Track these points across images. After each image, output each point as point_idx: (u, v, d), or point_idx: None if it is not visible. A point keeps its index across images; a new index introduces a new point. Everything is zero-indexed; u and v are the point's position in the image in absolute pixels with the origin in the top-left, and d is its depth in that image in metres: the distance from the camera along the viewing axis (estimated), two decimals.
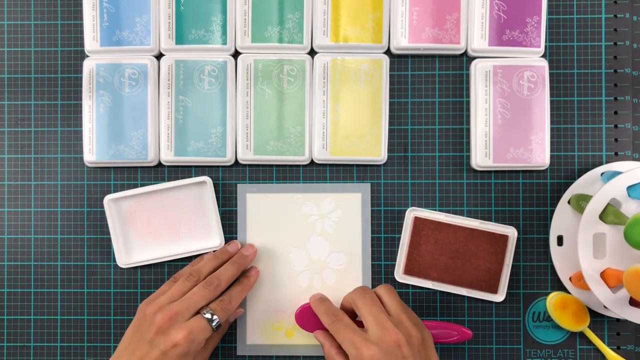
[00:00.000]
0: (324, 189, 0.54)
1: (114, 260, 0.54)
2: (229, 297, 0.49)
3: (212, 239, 0.54)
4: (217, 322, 0.47)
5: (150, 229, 0.54)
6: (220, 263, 0.51)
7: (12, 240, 0.55)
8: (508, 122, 0.53)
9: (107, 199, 0.53)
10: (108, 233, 0.54)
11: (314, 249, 0.54)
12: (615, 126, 0.54)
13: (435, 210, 0.54)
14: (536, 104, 0.53)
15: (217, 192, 0.54)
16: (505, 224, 0.54)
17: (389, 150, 0.54)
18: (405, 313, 0.47)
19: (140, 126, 0.53)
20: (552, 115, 0.54)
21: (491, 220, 0.54)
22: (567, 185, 0.53)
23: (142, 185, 0.54)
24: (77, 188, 0.55)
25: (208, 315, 0.47)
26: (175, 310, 0.46)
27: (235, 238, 0.54)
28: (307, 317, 0.52)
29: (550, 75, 0.54)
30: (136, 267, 0.54)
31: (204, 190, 0.53)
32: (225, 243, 0.54)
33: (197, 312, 0.47)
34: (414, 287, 0.54)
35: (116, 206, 0.53)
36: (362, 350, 0.44)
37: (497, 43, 0.53)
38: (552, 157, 0.54)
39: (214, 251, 0.53)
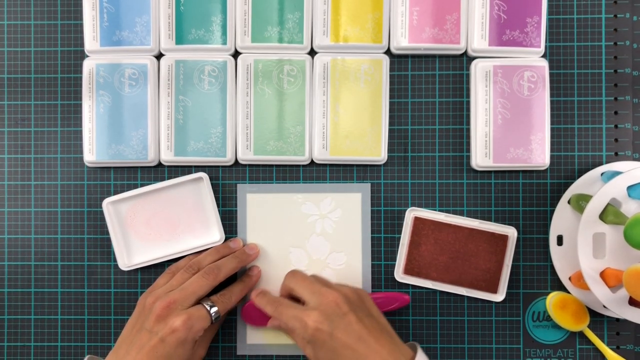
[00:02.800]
0: (324, 189, 0.54)
1: (114, 261, 0.54)
2: (230, 293, 0.50)
3: (212, 235, 0.54)
4: (216, 314, 0.47)
5: (150, 230, 0.54)
6: (221, 257, 0.52)
7: (12, 240, 0.55)
8: (508, 122, 0.53)
9: (106, 202, 0.53)
10: (108, 233, 0.54)
11: (314, 249, 0.54)
12: (616, 126, 0.54)
13: (435, 210, 0.54)
14: (536, 104, 0.53)
15: (217, 192, 0.54)
16: (505, 224, 0.54)
17: (389, 150, 0.54)
18: (331, 283, 0.50)
19: (140, 126, 0.53)
20: (552, 115, 0.54)
21: (491, 220, 0.54)
22: (567, 185, 0.53)
23: (142, 185, 0.54)
24: (77, 188, 0.55)
25: (208, 306, 0.47)
26: (174, 298, 0.46)
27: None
28: (253, 313, 0.52)
29: (551, 75, 0.54)
30: (136, 268, 0.54)
31: (202, 187, 0.53)
32: (227, 241, 0.54)
33: (198, 303, 0.48)
34: (414, 287, 0.54)
35: (115, 209, 0.53)
36: (304, 319, 0.45)
37: (497, 43, 0.53)
38: (552, 157, 0.54)
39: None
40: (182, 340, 0.45)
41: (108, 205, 0.53)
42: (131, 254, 0.54)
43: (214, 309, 0.47)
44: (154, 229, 0.54)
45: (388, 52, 0.54)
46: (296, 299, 0.49)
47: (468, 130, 0.54)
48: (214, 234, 0.54)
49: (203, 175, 0.53)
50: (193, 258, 0.52)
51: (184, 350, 0.46)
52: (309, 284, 0.48)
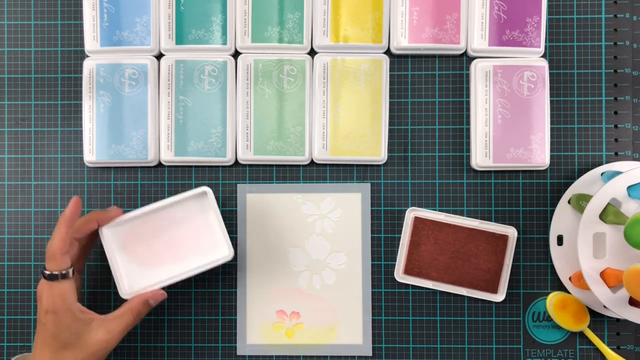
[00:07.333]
0: (324, 189, 0.54)
1: None
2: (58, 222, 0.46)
3: (219, 250, 0.50)
4: (48, 273, 0.45)
5: (151, 254, 0.50)
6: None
7: (12, 240, 0.55)
8: (508, 122, 0.53)
9: (103, 227, 0.49)
10: None
11: (313, 249, 0.54)
12: (615, 126, 0.54)
13: (435, 210, 0.54)
14: (536, 104, 0.53)
15: (217, 192, 0.54)
16: (505, 224, 0.54)
17: (389, 150, 0.54)
18: None
19: (140, 126, 0.53)
20: (552, 115, 0.54)
21: (491, 220, 0.54)
22: (567, 185, 0.53)
23: (142, 185, 0.54)
24: (77, 188, 0.55)
25: (47, 272, 0.45)
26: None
27: (235, 238, 0.54)
28: None
29: (550, 75, 0.54)
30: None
31: (205, 202, 0.50)
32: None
33: None
34: (414, 287, 0.54)
35: (113, 233, 0.49)
36: None
37: (497, 43, 0.53)
38: (552, 157, 0.54)
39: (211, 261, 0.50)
40: (52, 312, 0.45)
41: (105, 230, 0.49)
42: (132, 280, 0.50)
43: (46, 272, 0.45)
44: (155, 253, 0.50)
45: (388, 52, 0.54)
46: None
47: (468, 130, 0.54)
48: (222, 250, 0.50)
49: (207, 189, 0.49)
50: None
51: (64, 318, 0.46)
52: None
